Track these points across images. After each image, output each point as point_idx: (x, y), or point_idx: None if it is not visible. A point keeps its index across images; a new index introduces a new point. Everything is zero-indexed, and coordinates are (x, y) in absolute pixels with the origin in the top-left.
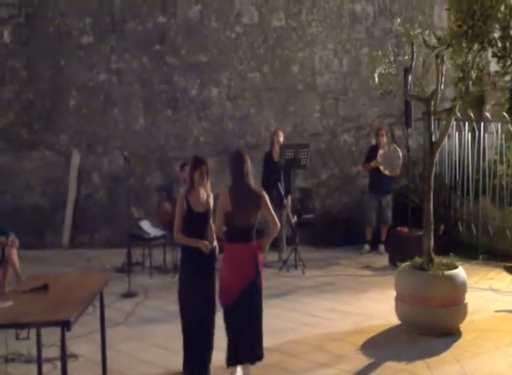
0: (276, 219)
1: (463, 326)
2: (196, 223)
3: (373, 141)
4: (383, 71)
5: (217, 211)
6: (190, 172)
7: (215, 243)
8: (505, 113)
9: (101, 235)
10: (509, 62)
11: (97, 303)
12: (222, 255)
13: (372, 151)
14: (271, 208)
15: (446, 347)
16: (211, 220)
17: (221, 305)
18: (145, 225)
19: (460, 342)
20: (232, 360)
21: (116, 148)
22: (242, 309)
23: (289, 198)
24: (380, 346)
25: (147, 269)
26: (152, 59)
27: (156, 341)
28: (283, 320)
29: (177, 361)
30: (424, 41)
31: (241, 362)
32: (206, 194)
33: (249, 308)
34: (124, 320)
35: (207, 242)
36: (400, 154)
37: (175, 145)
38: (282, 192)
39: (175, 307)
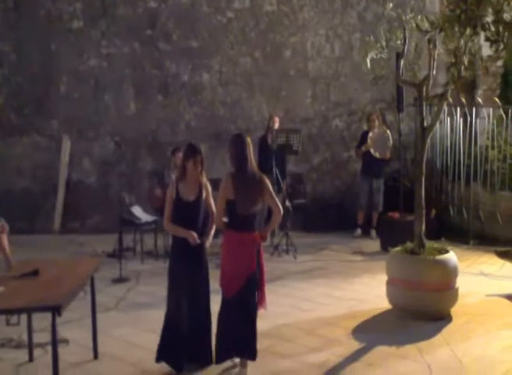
0: (280, 206)
1: (454, 311)
2: (185, 212)
3: (365, 127)
4: (375, 56)
5: (218, 199)
6: (182, 159)
7: (212, 232)
8: (496, 98)
9: (92, 220)
10: (502, 47)
11: (88, 288)
12: (222, 242)
13: (365, 137)
14: (273, 194)
15: (437, 331)
16: (214, 209)
17: (222, 295)
18: (136, 210)
19: (451, 326)
20: (220, 357)
21: (107, 133)
22: (239, 303)
23: (285, 182)
24: (371, 330)
25: (139, 254)
26: (143, 44)
27: (148, 325)
28: (275, 305)
29: None
30: (417, 25)
31: (229, 357)
32: (199, 183)
33: (247, 302)
34: (115, 305)
35: (195, 234)
36: (390, 136)
37: (166, 130)
38: (279, 177)
39: (166, 292)
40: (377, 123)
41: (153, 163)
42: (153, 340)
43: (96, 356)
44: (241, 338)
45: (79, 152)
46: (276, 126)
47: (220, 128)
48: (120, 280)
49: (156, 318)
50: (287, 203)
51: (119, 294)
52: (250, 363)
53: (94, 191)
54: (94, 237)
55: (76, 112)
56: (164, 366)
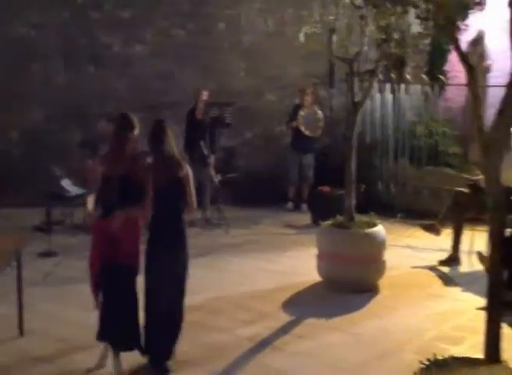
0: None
1: (381, 283)
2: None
3: (296, 100)
4: (308, 31)
5: None
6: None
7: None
8: (423, 75)
9: (20, 194)
10: (431, 24)
11: (14, 263)
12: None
13: (296, 110)
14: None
15: (366, 303)
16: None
17: None
18: (66, 183)
19: (378, 298)
20: None
21: (36, 104)
22: None
23: (212, 157)
24: (302, 303)
25: (68, 228)
26: (74, 13)
27: (76, 301)
28: (207, 279)
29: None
30: (351, 0)
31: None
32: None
33: None
34: (43, 280)
35: None
36: (321, 116)
37: (97, 102)
38: (205, 151)
39: None
40: (310, 99)
41: (83, 135)
42: (81, 315)
43: (22, 333)
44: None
45: (6, 123)
46: (205, 98)
47: (152, 101)
48: (48, 254)
49: (86, 293)
50: (216, 178)
51: (46, 269)
52: (182, 337)
53: (22, 164)
54: (22, 211)
55: (4, 82)
56: (95, 344)
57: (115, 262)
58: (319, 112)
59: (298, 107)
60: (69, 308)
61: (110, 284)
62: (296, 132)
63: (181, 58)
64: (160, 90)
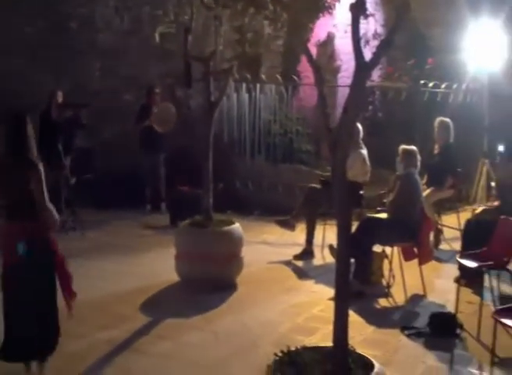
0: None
1: (240, 279)
2: None
3: (143, 100)
4: (163, 31)
5: None
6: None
7: None
8: (278, 75)
9: None
10: (279, 26)
11: None
12: None
13: (143, 110)
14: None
15: (224, 300)
16: None
17: None
18: None
19: (237, 294)
20: None
21: None
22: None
23: (68, 158)
24: (161, 304)
25: None
26: None
27: None
28: None
29: None
30: (202, 1)
31: None
32: None
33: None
34: None
35: None
36: (174, 111)
37: None
38: (62, 153)
39: None
40: (157, 98)
41: None
42: None
43: None
44: None
45: None
46: (60, 100)
47: (1, 102)
48: None
49: None
50: (72, 179)
51: None
52: None
53: None
54: None
55: None
56: None
57: None
58: (171, 106)
59: (145, 107)
60: None
61: None
62: (147, 132)
63: (32, 57)
64: (10, 91)
